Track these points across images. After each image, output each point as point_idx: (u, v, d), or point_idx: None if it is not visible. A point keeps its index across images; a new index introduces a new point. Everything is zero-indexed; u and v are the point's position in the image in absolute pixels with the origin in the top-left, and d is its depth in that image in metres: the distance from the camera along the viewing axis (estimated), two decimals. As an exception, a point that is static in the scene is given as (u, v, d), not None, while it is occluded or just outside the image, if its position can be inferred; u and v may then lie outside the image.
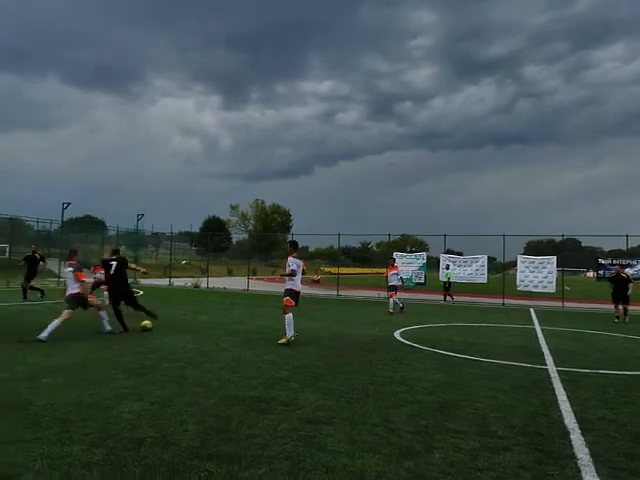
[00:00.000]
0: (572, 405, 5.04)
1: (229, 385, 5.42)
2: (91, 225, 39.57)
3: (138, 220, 32.29)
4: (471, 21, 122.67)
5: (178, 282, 27.53)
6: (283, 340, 8.26)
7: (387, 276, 16.24)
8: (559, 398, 5.31)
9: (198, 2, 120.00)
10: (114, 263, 9.49)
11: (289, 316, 8.44)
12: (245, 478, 3.09)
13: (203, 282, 26.54)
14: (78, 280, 8.50)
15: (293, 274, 8.57)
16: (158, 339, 8.43)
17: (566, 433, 4.17)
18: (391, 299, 15.18)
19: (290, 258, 8.69)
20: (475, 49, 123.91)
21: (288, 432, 3.96)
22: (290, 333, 8.33)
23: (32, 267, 15.82)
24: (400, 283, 16.15)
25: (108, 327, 9.03)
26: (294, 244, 9.11)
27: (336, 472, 3.23)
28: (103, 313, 9.13)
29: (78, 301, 8.52)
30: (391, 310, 14.73)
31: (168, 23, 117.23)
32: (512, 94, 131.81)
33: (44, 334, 7.77)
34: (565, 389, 5.71)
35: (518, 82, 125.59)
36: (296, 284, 8.61)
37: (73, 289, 8.51)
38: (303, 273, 9.10)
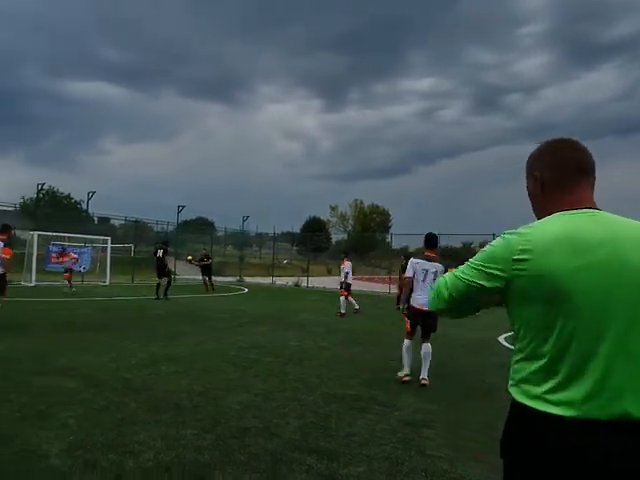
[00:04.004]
0: None
1: (328, 382, 5.53)
2: (202, 226, 42.52)
3: (243, 221, 34.16)
4: (588, 1, 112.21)
5: (280, 281, 28.60)
6: (399, 374, 5.90)
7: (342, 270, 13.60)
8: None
9: (304, 9, 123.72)
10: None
11: (404, 344, 6.06)
12: (344, 475, 3.14)
13: (303, 281, 27.31)
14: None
15: (406, 284, 6.17)
16: (262, 335, 8.84)
17: None
18: (342, 297, 13.15)
19: (412, 259, 6.18)
20: (593, 32, 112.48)
21: (386, 433, 3.95)
22: (405, 367, 5.86)
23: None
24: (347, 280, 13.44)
25: None
26: (426, 238, 6.25)
27: (436, 477, 3.16)
28: None
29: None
30: (342, 311, 12.88)
31: (276, 32, 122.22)
32: (637, 78, 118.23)
33: None
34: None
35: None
36: (414, 298, 5.93)
37: None
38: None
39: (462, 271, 1.42)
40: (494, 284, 1.35)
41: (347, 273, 13.28)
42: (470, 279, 1.39)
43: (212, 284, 19.48)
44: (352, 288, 13.77)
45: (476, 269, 1.39)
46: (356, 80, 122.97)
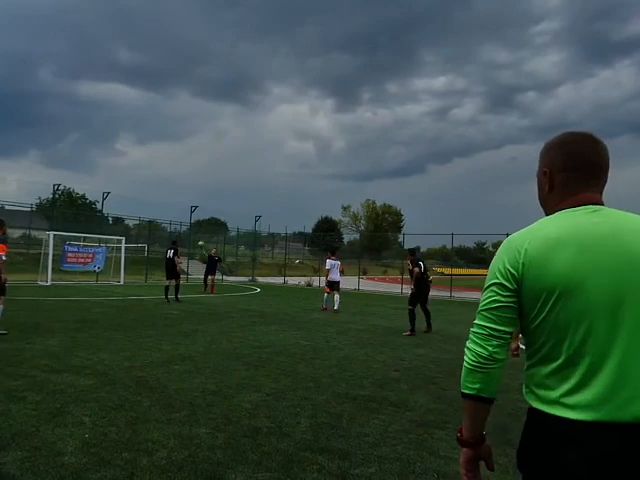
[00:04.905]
0: None
1: (340, 382, 5.53)
2: (215, 226, 42.78)
3: (256, 221, 34.34)
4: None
5: (292, 280, 28.68)
6: None
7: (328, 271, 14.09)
8: None
9: (316, 10, 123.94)
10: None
11: None
12: (355, 475, 3.14)
13: (315, 281, 27.33)
14: None
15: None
16: (273, 335, 8.87)
17: None
18: (335, 295, 13.65)
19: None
20: (608, 29, 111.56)
21: (398, 433, 3.94)
22: None
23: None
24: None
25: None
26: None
27: (448, 478, 3.15)
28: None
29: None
30: (336, 307, 13.43)
31: (288, 34, 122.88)
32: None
33: None
34: None
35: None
36: None
37: None
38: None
39: (482, 300, 1.40)
40: (513, 285, 1.29)
41: (328, 270, 14.04)
42: (493, 292, 1.34)
43: (206, 284, 18.89)
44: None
45: (492, 276, 1.35)
46: (369, 80, 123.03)
